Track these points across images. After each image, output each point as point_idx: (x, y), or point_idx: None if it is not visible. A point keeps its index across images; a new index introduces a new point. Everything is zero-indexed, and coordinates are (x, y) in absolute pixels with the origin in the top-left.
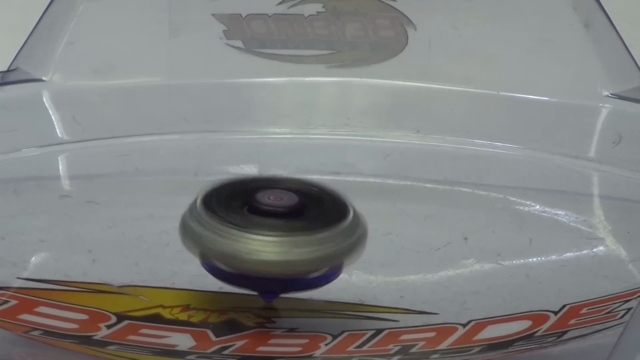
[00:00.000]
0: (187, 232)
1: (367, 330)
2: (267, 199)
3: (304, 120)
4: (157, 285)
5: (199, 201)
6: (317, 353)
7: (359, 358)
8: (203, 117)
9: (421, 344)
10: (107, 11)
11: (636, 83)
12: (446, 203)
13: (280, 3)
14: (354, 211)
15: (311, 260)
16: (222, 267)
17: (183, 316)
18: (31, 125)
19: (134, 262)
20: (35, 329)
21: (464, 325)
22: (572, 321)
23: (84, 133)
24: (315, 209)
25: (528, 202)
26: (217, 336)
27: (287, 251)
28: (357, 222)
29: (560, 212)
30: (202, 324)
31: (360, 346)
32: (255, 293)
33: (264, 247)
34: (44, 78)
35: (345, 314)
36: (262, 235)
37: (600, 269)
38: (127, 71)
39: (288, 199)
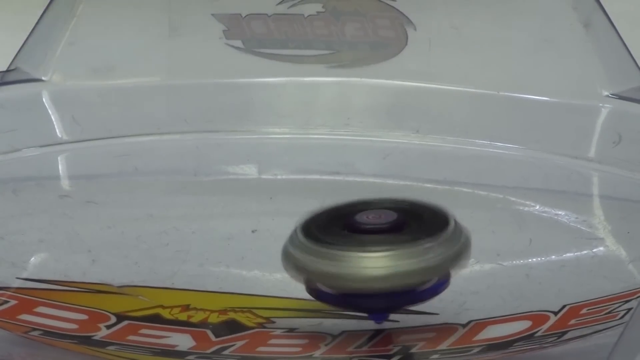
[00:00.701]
0: (290, 261)
1: (367, 330)
2: (366, 218)
3: (303, 120)
4: (156, 286)
5: (298, 230)
6: (317, 353)
7: (358, 358)
8: (203, 117)
9: (421, 344)
10: (107, 11)
11: (636, 83)
12: (446, 203)
13: (280, 3)
14: (455, 220)
15: (418, 270)
16: (330, 290)
17: (183, 316)
18: (31, 125)
19: (134, 262)
20: (35, 329)
21: (463, 326)
22: (572, 321)
23: (84, 133)
24: (415, 222)
25: (528, 202)
26: (216, 336)
27: (393, 264)
28: (460, 230)
29: (560, 212)
30: (202, 324)
31: (360, 346)
32: (365, 315)
33: (370, 263)
34: (43, 78)
35: (344, 314)
36: (367, 251)
37: (600, 269)
38: (127, 71)
39: (387, 216)
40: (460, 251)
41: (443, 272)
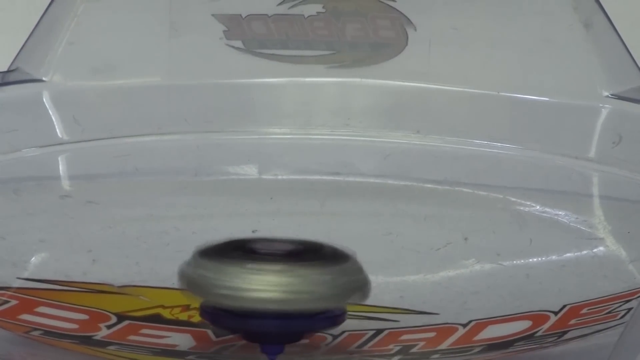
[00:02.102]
0: (184, 279)
1: (368, 330)
2: (266, 246)
3: (304, 120)
4: (157, 285)
5: (196, 253)
6: (318, 353)
7: (359, 358)
8: (203, 117)
9: (421, 344)
10: (107, 11)
11: (636, 83)
12: (446, 203)
13: (280, 3)
14: (356, 259)
15: (312, 295)
16: (223, 312)
17: (183, 316)
18: (31, 125)
19: (134, 262)
20: (36, 329)
21: (464, 326)
22: (573, 321)
23: (84, 133)
24: (314, 254)
25: (528, 203)
26: (217, 336)
27: (287, 286)
28: (360, 268)
29: (560, 213)
30: (203, 324)
31: (360, 346)
32: (256, 348)
33: (264, 282)
34: (44, 78)
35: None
36: (263, 271)
37: (600, 269)
38: (127, 71)
39: (287, 246)
40: (357, 284)
41: (336, 303)
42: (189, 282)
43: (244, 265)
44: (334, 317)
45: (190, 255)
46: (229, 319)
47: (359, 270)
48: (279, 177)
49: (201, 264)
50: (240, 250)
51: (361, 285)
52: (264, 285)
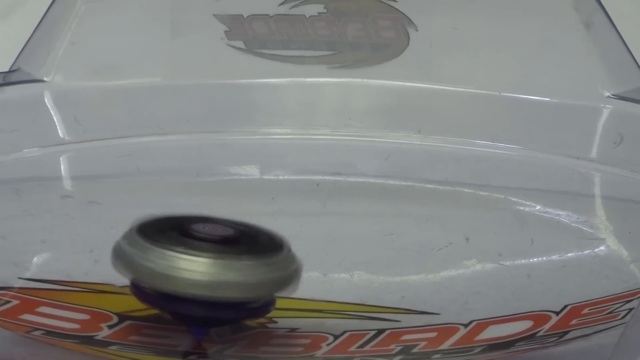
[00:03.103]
0: (119, 256)
1: (369, 330)
2: (202, 228)
3: (305, 120)
4: None
5: (133, 228)
6: (319, 353)
7: (360, 358)
8: (205, 117)
9: (423, 344)
10: (109, 12)
11: (637, 84)
12: (448, 204)
13: (281, 4)
14: (289, 248)
15: (240, 284)
16: (151, 289)
17: None
18: (33, 125)
19: None
20: (37, 329)
21: (465, 326)
22: (574, 321)
23: (86, 133)
24: (249, 241)
25: (529, 203)
26: (218, 336)
27: (216, 272)
28: (292, 258)
29: (561, 213)
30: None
31: (361, 346)
32: (183, 329)
33: (193, 267)
34: (45, 79)
35: (346, 314)
36: (191, 254)
37: (601, 269)
38: (129, 71)
39: (223, 230)
40: (286, 276)
41: (264, 293)
42: (121, 257)
43: (174, 249)
44: (259, 308)
45: (129, 228)
46: (155, 298)
47: (290, 261)
48: (281, 177)
49: (135, 241)
50: (178, 230)
51: (290, 278)
52: (191, 270)
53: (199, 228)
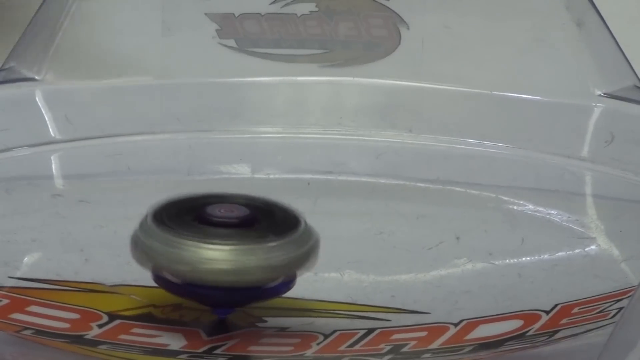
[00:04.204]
0: (138, 247)
1: (359, 329)
2: (218, 211)
3: (296, 119)
4: (148, 285)
5: (149, 217)
6: (309, 352)
7: (350, 357)
8: (195, 116)
9: (412, 343)
10: (100, 10)
11: (629, 82)
12: (438, 202)
13: (273, 2)
14: (305, 222)
15: (261, 268)
16: (175, 279)
17: (175, 315)
18: (23, 124)
19: (126, 261)
20: (27, 328)
21: (455, 325)
22: (564, 321)
23: (77, 132)
24: (266, 220)
25: (520, 202)
26: (208, 335)
27: (236, 259)
28: (310, 232)
29: (552, 212)
30: (194, 323)
31: (351, 345)
32: (207, 308)
33: (216, 255)
34: (36, 77)
35: (336, 314)
36: (212, 243)
37: (592, 268)
38: (120, 70)
39: (239, 211)
40: (307, 253)
41: (287, 273)
42: (140, 249)
43: (195, 240)
44: (282, 285)
45: (144, 217)
46: (179, 287)
47: (309, 235)
48: (271, 176)
49: (152, 232)
50: (192, 214)
51: (311, 253)
52: (214, 259)
53: (216, 211)
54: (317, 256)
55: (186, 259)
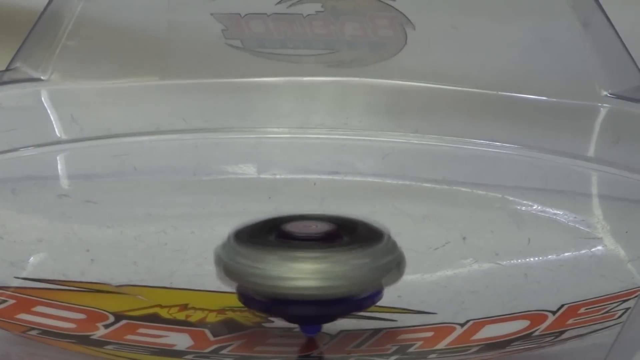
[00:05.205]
0: (221, 265)
1: (365, 330)
2: (299, 227)
3: (302, 119)
4: (155, 285)
5: (231, 236)
6: (315, 352)
7: (356, 358)
8: (202, 116)
9: (419, 343)
10: (106, 10)
11: (635, 83)
12: (444, 203)
13: (279, 2)
14: (389, 235)
15: (348, 280)
16: (259, 297)
17: (181, 316)
18: (29, 124)
19: (132, 261)
20: (33, 329)
21: (462, 325)
22: (570, 321)
23: (82, 132)
24: (349, 234)
25: (526, 202)
26: (214, 336)
27: (322, 272)
28: (394, 245)
29: (558, 212)
30: (200, 324)
31: (358, 346)
32: (296, 327)
33: (302, 268)
34: (42, 77)
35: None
36: (297, 257)
37: (598, 268)
38: (126, 71)
39: (321, 226)
40: (392, 263)
41: (374, 283)
42: (226, 268)
43: (282, 254)
44: (371, 297)
45: (226, 238)
46: (268, 305)
47: (393, 247)
48: (278, 176)
49: (237, 250)
50: (275, 233)
51: (397, 264)
52: (301, 274)
53: (296, 228)
54: (403, 268)
55: (272, 274)
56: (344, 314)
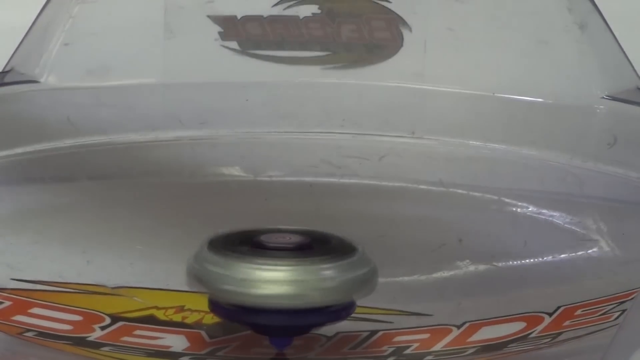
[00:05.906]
0: (195, 274)
1: (362, 331)
2: (273, 238)
3: (299, 121)
4: (151, 287)
5: (204, 246)
6: (312, 354)
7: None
8: (198, 118)
9: (415, 345)
10: (103, 12)
11: (631, 85)
12: (441, 205)
13: (275, 5)
14: (362, 249)
15: (324, 289)
16: (230, 305)
17: (177, 317)
18: (26, 126)
19: (129, 263)
20: (30, 330)
21: (458, 327)
22: (567, 323)
23: (79, 134)
24: (322, 246)
25: (523, 204)
26: (211, 337)
27: (296, 279)
28: (367, 258)
29: (555, 214)
30: (196, 326)
31: (354, 347)
32: (265, 338)
33: (271, 275)
34: (39, 79)
35: None
36: (272, 265)
37: (595, 270)
38: (122, 72)
39: (294, 238)
40: (365, 276)
41: (344, 294)
42: (197, 276)
43: (252, 261)
44: (342, 310)
45: (199, 247)
46: (236, 313)
47: (366, 261)
48: (274, 178)
49: (209, 258)
50: (248, 244)
51: (369, 278)
52: (272, 282)
53: (270, 240)
54: (375, 282)
55: (242, 281)
56: (314, 326)
